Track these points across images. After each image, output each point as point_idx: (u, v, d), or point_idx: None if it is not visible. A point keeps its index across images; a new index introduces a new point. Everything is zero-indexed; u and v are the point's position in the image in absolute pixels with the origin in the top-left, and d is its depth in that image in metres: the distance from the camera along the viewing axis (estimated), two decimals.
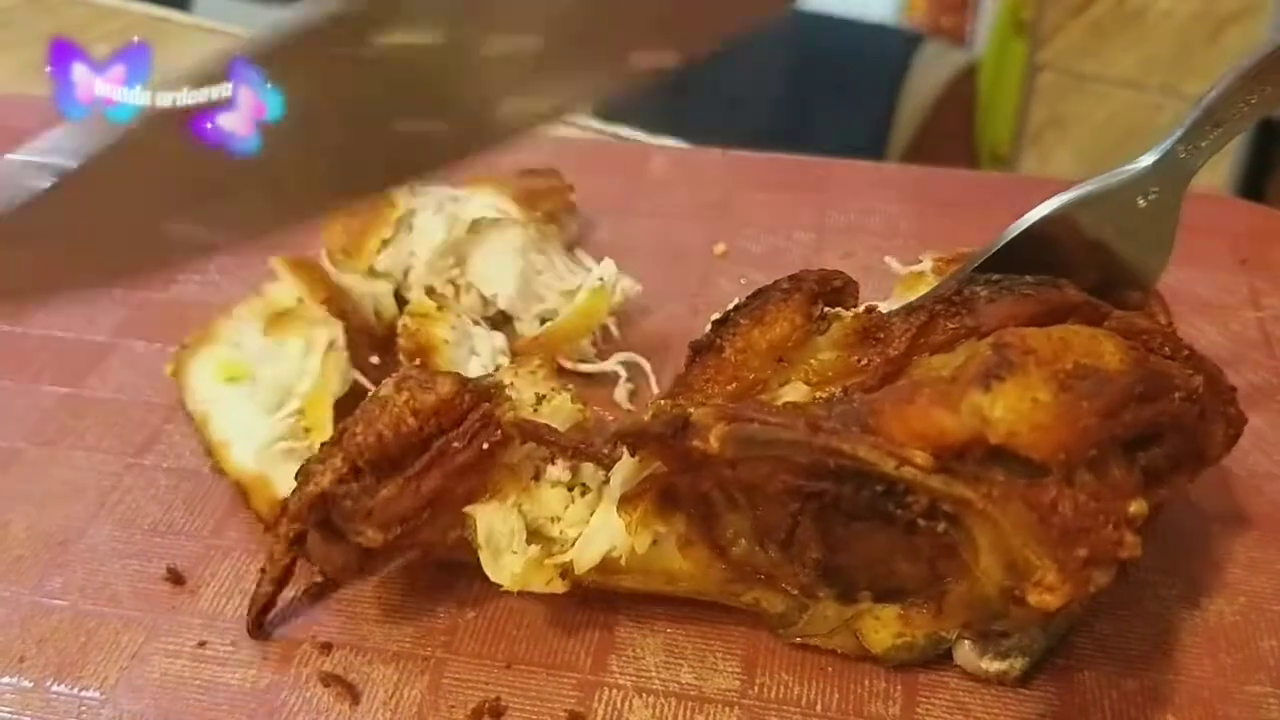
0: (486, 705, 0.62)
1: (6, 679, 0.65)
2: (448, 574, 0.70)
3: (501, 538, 0.64)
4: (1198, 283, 0.91)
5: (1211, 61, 2.00)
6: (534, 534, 0.65)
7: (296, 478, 0.65)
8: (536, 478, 0.66)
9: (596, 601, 0.68)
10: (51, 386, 0.85)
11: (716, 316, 0.67)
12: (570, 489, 0.66)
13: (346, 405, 0.72)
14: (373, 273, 0.87)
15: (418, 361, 0.80)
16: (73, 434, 0.73)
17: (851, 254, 0.95)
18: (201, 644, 0.66)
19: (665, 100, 2.12)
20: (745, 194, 1.06)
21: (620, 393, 0.83)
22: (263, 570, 0.66)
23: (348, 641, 0.66)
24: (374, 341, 0.84)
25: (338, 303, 0.83)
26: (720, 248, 0.98)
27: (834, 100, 2.05)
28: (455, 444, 0.63)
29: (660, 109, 2.08)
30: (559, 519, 0.65)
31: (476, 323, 0.83)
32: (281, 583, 0.66)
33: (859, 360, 0.62)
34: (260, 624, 0.67)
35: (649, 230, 1.01)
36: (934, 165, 1.13)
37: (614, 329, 0.87)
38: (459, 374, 0.66)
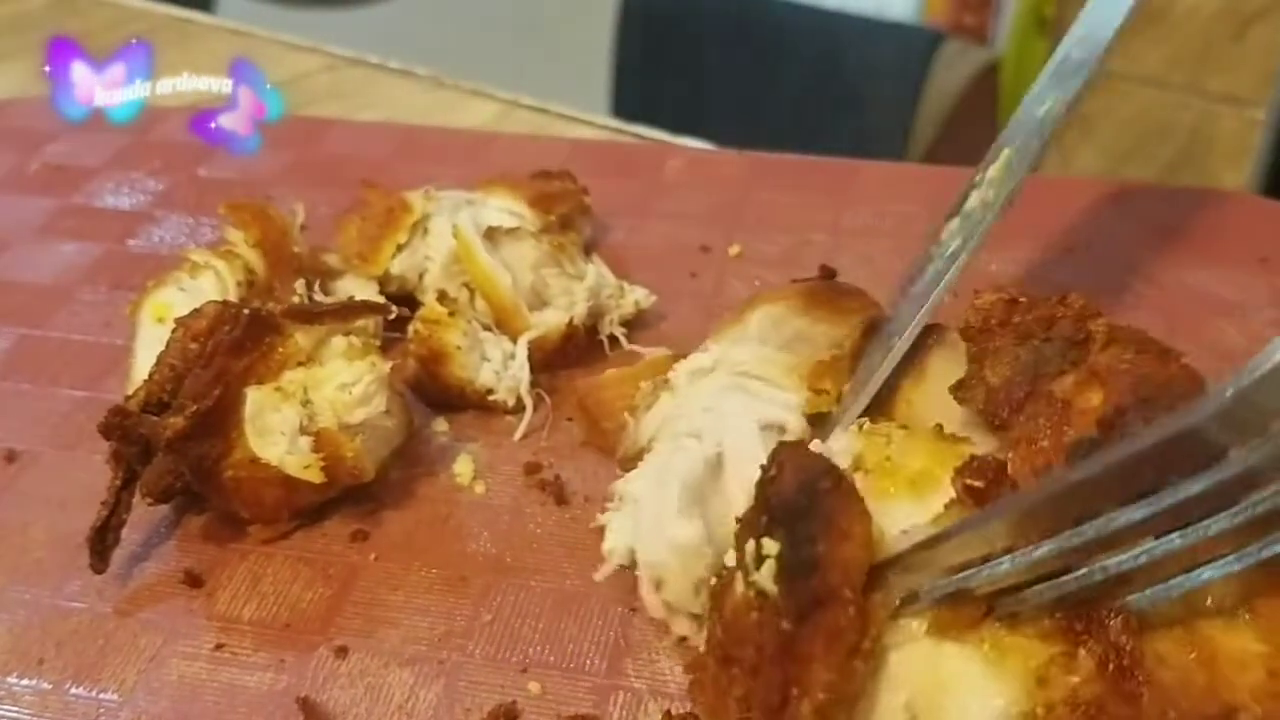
0: (502, 709, 0.62)
1: (26, 681, 0.65)
2: (463, 577, 0.70)
3: (271, 418, 0.71)
4: (1218, 282, 0.91)
5: (1236, 59, 1.98)
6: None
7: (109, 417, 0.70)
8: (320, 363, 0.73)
9: (612, 604, 0.68)
10: (70, 390, 0.86)
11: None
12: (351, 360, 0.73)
13: None
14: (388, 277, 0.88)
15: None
16: (91, 437, 0.74)
17: (870, 259, 0.95)
18: (219, 646, 0.67)
19: (685, 100, 2.13)
20: (761, 195, 1.06)
21: (520, 428, 0.82)
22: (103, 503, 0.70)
23: (364, 645, 0.66)
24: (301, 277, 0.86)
25: (273, 241, 0.84)
26: (735, 249, 0.98)
27: (855, 99, 2.05)
28: (233, 334, 0.71)
29: (680, 109, 2.09)
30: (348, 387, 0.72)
31: (487, 328, 0.83)
32: (113, 510, 0.69)
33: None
34: (100, 554, 0.69)
35: (663, 232, 1.01)
36: (956, 165, 1.13)
37: (622, 338, 0.88)
38: (223, 300, 0.75)
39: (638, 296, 0.88)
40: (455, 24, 2.65)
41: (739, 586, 0.54)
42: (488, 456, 0.79)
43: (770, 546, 0.52)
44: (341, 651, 0.66)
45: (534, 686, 0.64)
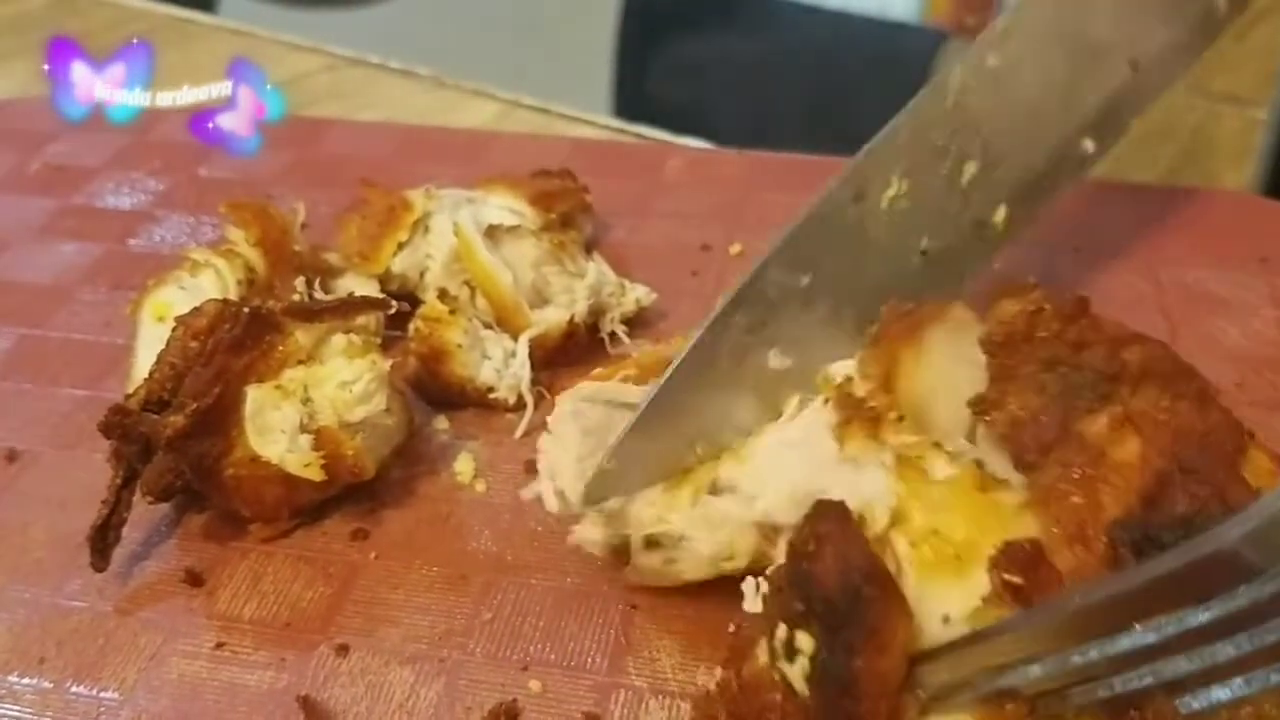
0: (503, 707, 0.62)
1: (27, 680, 0.65)
2: (463, 575, 0.70)
3: (271, 416, 0.70)
4: (1218, 281, 0.91)
5: (1240, 59, 1.98)
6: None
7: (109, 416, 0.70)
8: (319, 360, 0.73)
9: (613, 602, 0.68)
10: (70, 389, 0.86)
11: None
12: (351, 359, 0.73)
13: None
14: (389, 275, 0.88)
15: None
16: (92, 436, 0.74)
17: None
18: (219, 645, 0.67)
19: (687, 100, 2.13)
20: (762, 195, 1.06)
21: (520, 426, 0.82)
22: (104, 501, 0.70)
23: (365, 643, 0.66)
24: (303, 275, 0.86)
25: (273, 240, 0.84)
26: (736, 249, 0.98)
27: (857, 100, 2.04)
28: (233, 332, 0.71)
29: (682, 109, 2.09)
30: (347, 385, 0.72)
31: (488, 326, 0.84)
32: (114, 509, 0.69)
33: None
34: (101, 553, 0.69)
35: (665, 231, 1.01)
36: None
37: (624, 336, 0.88)
38: (224, 298, 0.75)
39: (639, 295, 0.88)
40: (456, 24, 2.65)
41: (762, 657, 0.53)
42: (489, 454, 0.79)
43: (805, 643, 0.50)
44: (342, 650, 0.66)
45: (535, 685, 0.64)
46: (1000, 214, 0.76)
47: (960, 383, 0.63)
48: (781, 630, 0.52)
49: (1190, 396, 0.58)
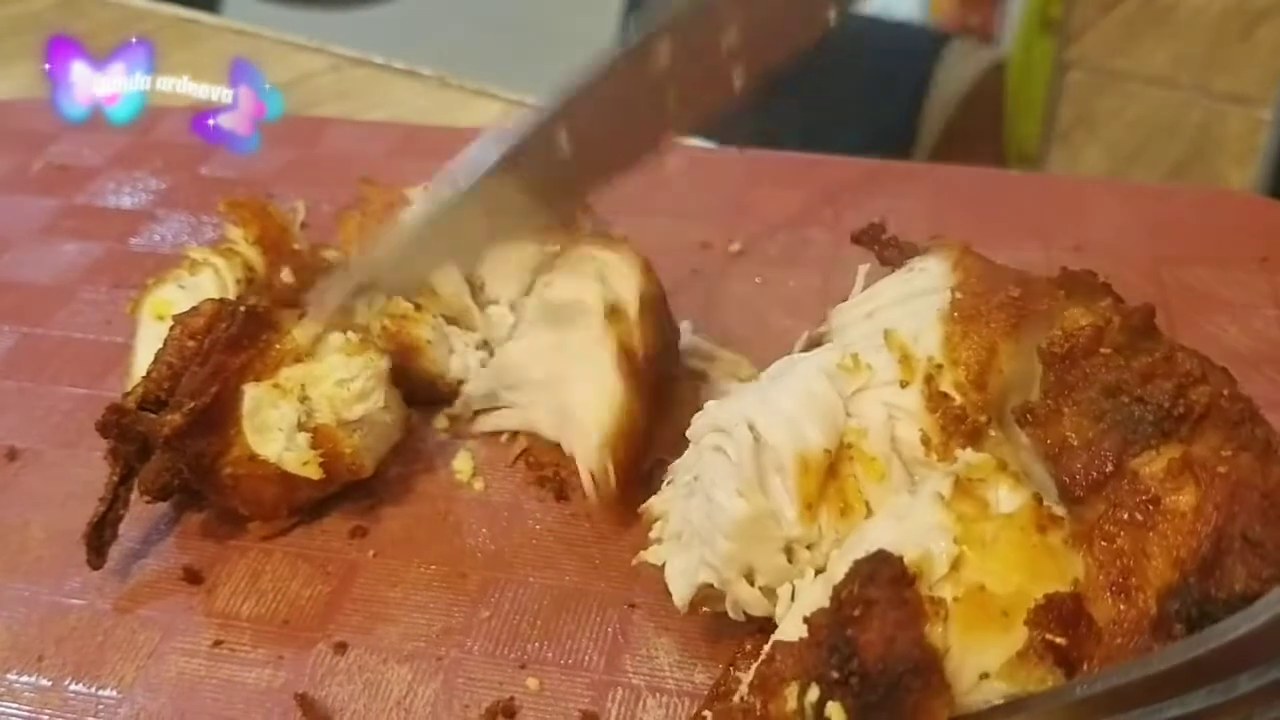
0: (500, 705, 0.62)
1: (25, 677, 0.66)
2: (462, 574, 0.70)
3: (269, 414, 0.71)
4: (1219, 281, 0.91)
5: (1244, 58, 1.98)
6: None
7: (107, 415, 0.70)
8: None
9: (611, 601, 0.68)
10: (71, 388, 0.86)
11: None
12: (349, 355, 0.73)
13: None
14: None
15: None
16: (92, 435, 0.74)
17: (870, 256, 0.94)
18: (218, 643, 0.67)
19: None
20: (762, 193, 1.05)
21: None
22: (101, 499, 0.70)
23: (363, 641, 0.67)
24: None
25: (272, 239, 0.84)
26: (735, 247, 0.98)
27: (860, 98, 2.04)
28: (230, 331, 0.71)
29: None
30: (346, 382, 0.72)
31: (452, 321, 0.83)
32: (110, 506, 0.70)
33: None
34: (97, 550, 0.70)
35: (665, 229, 1.01)
36: (962, 164, 1.13)
37: None
38: (220, 298, 0.75)
39: None
40: (460, 24, 2.66)
41: (791, 702, 0.51)
42: (487, 453, 0.79)
43: (836, 715, 0.49)
44: (340, 648, 0.66)
45: (532, 683, 0.64)
46: None
47: (1033, 378, 0.61)
48: (814, 692, 0.50)
49: (1254, 449, 0.56)
